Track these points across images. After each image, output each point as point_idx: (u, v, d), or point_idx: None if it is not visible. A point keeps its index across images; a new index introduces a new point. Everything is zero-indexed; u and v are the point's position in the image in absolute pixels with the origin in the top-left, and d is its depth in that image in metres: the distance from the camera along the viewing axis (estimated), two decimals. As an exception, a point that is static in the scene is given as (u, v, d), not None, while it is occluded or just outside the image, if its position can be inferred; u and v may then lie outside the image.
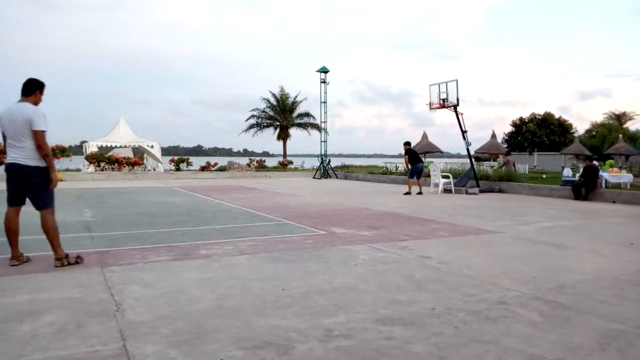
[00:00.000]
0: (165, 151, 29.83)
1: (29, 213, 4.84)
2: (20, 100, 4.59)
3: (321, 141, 26.08)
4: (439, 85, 15.45)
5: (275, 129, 39.88)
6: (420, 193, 13.80)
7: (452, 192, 14.40)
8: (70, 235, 6.31)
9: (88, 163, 22.88)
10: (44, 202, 4.60)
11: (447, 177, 14.93)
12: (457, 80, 15.08)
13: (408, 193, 13.65)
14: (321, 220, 8.13)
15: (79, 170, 23.22)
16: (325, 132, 26.34)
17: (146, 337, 2.85)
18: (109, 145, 25.70)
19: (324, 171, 24.62)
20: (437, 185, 14.79)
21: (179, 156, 26.46)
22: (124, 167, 22.62)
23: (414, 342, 2.80)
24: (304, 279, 4.24)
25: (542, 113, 52.10)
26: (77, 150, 27.13)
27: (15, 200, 4.64)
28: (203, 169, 25.03)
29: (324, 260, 5.01)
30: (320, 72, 25.60)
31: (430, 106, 15.74)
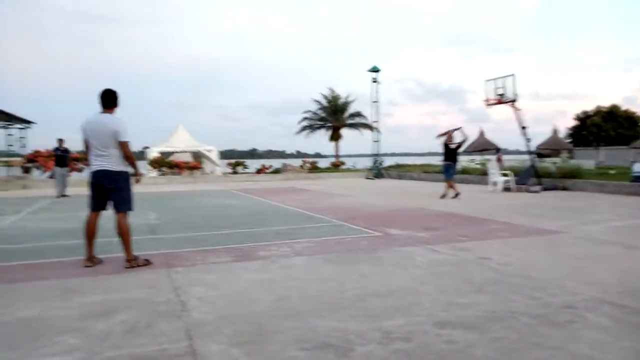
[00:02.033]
0: (222, 155, 30.69)
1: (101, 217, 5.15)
2: (102, 112, 4.93)
3: (373, 141, 25.97)
4: (495, 81, 14.98)
5: (327, 130, 40.10)
6: (443, 196, 12.17)
7: (512, 191, 13.90)
8: (137, 237, 6.64)
9: (151, 168, 23.96)
10: (126, 205, 4.95)
11: (507, 174, 14.43)
12: (514, 75, 14.59)
13: (457, 194, 12.13)
14: (376, 221, 8.10)
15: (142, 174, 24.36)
16: (378, 131, 26.19)
17: (210, 336, 2.97)
18: (169, 151, 26.80)
19: (377, 171, 24.48)
20: (495, 183, 14.33)
21: (235, 159, 27.19)
22: (184, 171, 23.50)
23: (475, 346, 2.75)
24: (360, 280, 4.25)
25: (607, 105, 49.23)
26: (139, 155, 28.48)
27: (98, 206, 4.98)
28: (259, 171, 25.56)
29: (379, 261, 5.00)
30: (371, 71, 25.48)
31: (487, 102, 15.30)
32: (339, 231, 7.13)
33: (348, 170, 28.45)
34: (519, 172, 15.13)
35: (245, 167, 26.33)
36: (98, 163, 4.86)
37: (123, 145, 4.88)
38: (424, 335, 2.92)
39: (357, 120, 39.81)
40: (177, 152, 27.00)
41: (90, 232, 4.95)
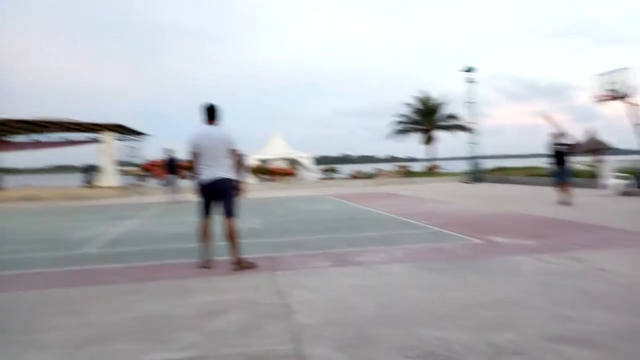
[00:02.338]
0: (316, 161, 31.42)
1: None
2: (210, 124, 5.33)
3: (469, 143, 25.02)
4: (607, 75, 13.76)
5: (420, 133, 39.33)
6: (563, 203, 10.94)
7: (631, 195, 12.63)
8: (242, 241, 7.04)
9: (251, 175, 25.18)
10: (235, 210, 5.29)
11: (624, 177, 13.14)
12: (630, 68, 13.29)
13: (568, 200, 10.92)
14: (476, 227, 7.80)
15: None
16: (474, 133, 25.19)
17: (314, 339, 3.07)
18: (266, 158, 27.98)
19: (475, 175, 23.54)
20: (608, 187, 13.12)
21: (327, 165, 27.69)
22: (279, 177, 24.38)
23: (595, 365, 2.56)
24: (462, 289, 4.13)
25: None
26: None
27: (208, 212, 5.35)
28: (352, 177, 25.77)
29: (483, 270, 4.82)
30: (466, 71, 24.61)
31: (597, 98, 14.10)
32: (437, 238, 6.98)
33: (443, 174, 27.67)
34: (636, 174, 13.71)
35: (338, 172, 26.70)
36: (210, 171, 5.20)
37: (236, 154, 5.28)
38: (538, 351, 2.77)
39: (451, 122, 38.63)
40: (273, 159, 28.10)
41: (205, 236, 5.34)
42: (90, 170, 23.63)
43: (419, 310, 3.59)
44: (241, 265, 5.17)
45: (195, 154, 5.26)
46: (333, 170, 26.89)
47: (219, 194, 5.22)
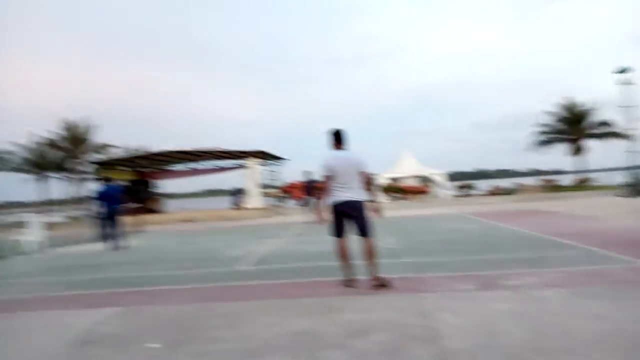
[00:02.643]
0: (448, 177, 30.44)
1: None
2: (338, 148, 5.56)
3: (627, 152, 22.17)
4: None
5: (566, 143, 35.91)
6: None
7: None
8: (380, 260, 7.11)
9: (382, 194, 25.30)
10: (371, 230, 5.44)
11: None
12: None
13: None
14: (644, 248, 6.86)
15: (372, 201, 25.94)
16: (633, 140, 22.26)
17: (466, 365, 2.97)
18: (396, 177, 27.89)
19: (635, 187, 20.72)
20: None
21: (462, 181, 26.63)
22: (412, 195, 24.08)
23: None
24: (637, 321, 3.67)
25: None
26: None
27: (342, 232, 5.53)
28: (490, 192, 24.44)
29: (658, 298, 4.22)
30: (619, 72, 22.00)
31: None
32: (594, 260, 6.28)
33: (596, 187, 24.85)
34: None
35: (474, 188, 25.52)
36: (344, 194, 5.39)
37: (369, 177, 5.44)
38: None
39: (603, 129, 34.66)
40: (404, 177, 27.90)
41: (344, 256, 5.52)
42: (237, 193, 25.86)
43: (582, 342, 3.27)
44: (379, 283, 5.25)
45: (329, 177, 5.47)
46: (469, 187, 25.77)
47: (352, 215, 5.38)
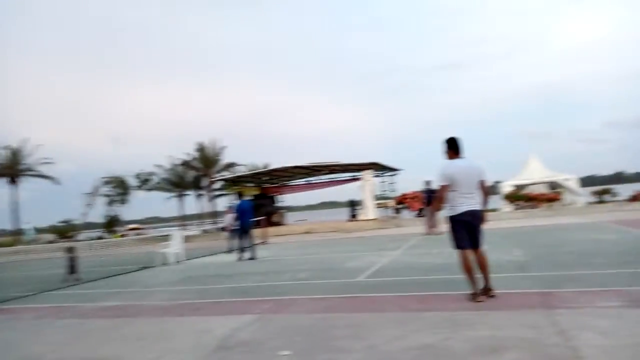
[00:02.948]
0: (581, 182, 27.69)
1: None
2: (455, 157, 5.40)
3: None
4: None
5: None
6: None
7: None
8: (506, 274, 6.73)
9: (506, 202, 23.85)
10: (482, 240, 5.32)
11: None
12: None
13: None
14: None
15: (495, 210, 24.51)
16: None
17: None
18: (522, 183, 26.08)
19: None
20: None
21: (598, 186, 24.07)
22: (541, 204, 22.34)
23: None
24: None
25: None
26: (491, 190, 28.74)
27: (470, 243, 5.28)
28: (633, 198, 21.78)
29: None
30: None
31: None
32: None
33: None
34: None
35: (612, 194, 22.93)
36: (467, 203, 5.21)
37: (485, 185, 5.36)
38: None
39: None
40: (530, 184, 26.00)
41: (469, 268, 5.29)
42: (353, 205, 26.22)
43: None
44: (490, 294, 5.24)
45: (448, 187, 5.27)
46: (606, 192, 23.19)
47: (474, 225, 5.25)
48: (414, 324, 4.48)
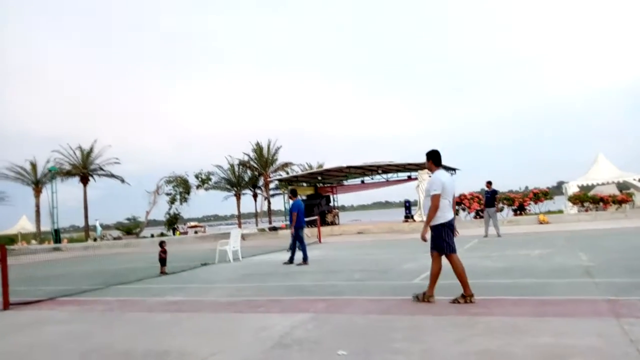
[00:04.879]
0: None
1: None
2: (441, 168, 5.95)
3: None
4: None
5: None
6: None
7: None
8: (571, 279, 6.45)
9: (571, 204, 22.71)
10: None
11: None
12: None
13: None
14: None
15: (561, 211, 23.36)
16: None
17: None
18: (589, 184, 24.74)
19: None
20: None
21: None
22: (610, 205, 21.10)
23: None
24: None
25: None
26: (554, 191, 27.43)
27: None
28: None
29: None
30: None
31: None
32: None
33: None
34: None
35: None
36: (451, 211, 5.76)
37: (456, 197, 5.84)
38: None
39: None
40: (598, 184, 24.60)
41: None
42: (408, 205, 25.87)
43: None
44: (467, 299, 5.49)
45: (440, 195, 5.62)
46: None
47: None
48: (473, 329, 4.40)
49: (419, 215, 23.41)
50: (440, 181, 5.66)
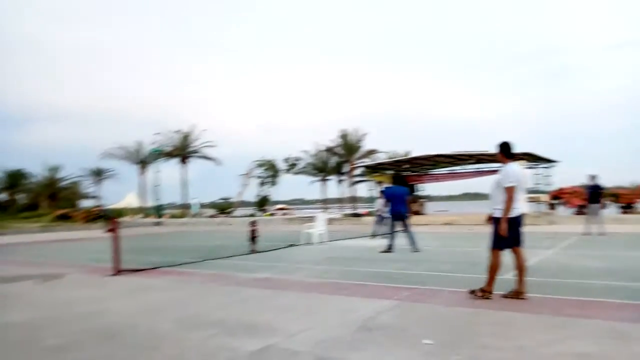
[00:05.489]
0: None
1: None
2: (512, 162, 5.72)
3: None
4: None
5: None
6: None
7: None
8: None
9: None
10: None
11: None
12: None
13: None
14: None
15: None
16: None
17: None
18: None
19: None
20: None
21: None
22: None
23: None
24: None
25: None
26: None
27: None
28: None
29: None
30: None
31: None
32: None
33: None
34: None
35: None
36: (522, 206, 5.71)
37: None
38: None
39: None
40: None
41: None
42: (499, 198, 24.63)
43: None
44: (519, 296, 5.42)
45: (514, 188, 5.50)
46: None
47: (521, 226, 5.67)
48: (569, 330, 4.15)
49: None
50: (515, 173, 5.57)
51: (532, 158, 23.26)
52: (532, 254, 9.72)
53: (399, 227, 11.28)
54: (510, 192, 5.50)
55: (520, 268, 5.55)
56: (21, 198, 54.87)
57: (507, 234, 5.55)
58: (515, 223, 5.58)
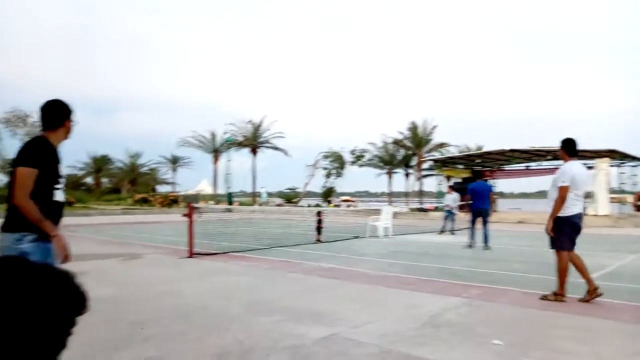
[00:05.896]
0: None
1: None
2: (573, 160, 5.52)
3: None
4: None
5: None
6: None
7: None
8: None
9: None
10: None
11: None
12: None
13: None
14: None
15: None
16: None
17: None
18: None
19: None
20: None
21: None
22: None
23: None
24: None
25: None
26: None
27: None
28: None
29: None
30: None
31: None
32: None
33: None
34: None
35: None
36: (579, 206, 5.48)
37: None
38: None
39: None
40: None
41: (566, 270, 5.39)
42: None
43: None
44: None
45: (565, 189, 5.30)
46: None
47: (580, 228, 5.47)
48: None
49: (593, 209, 20.87)
50: (571, 172, 5.37)
51: (617, 155, 21.63)
52: (614, 258, 9.10)
53: (479, 223, 10.87)
54: (563, 191, 5.31)
55: (561, 270, 5.41)
56: (105, 182, 59.01)
57: (556, 234, 5.40)
58: (568, 224, 5.37)
